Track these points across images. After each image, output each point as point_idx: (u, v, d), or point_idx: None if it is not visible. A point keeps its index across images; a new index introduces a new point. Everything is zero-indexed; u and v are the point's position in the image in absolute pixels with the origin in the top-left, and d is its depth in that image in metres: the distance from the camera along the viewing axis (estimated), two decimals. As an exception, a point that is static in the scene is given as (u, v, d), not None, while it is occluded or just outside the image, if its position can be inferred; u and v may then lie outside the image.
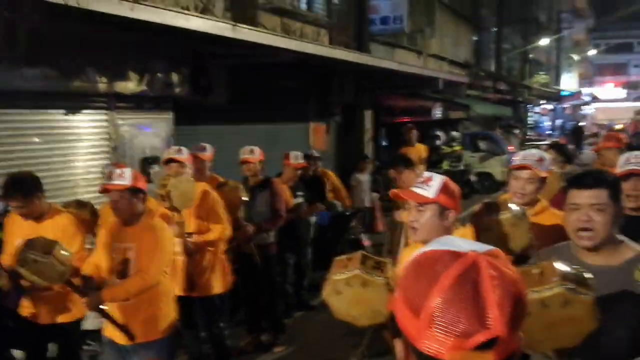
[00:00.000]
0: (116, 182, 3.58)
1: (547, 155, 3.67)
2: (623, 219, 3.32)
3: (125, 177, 3.57)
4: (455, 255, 1.02)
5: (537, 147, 21.41)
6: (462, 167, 14.75)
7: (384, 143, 14.84)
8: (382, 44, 14.34)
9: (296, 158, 6.63)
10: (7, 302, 4.01)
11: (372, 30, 13.44)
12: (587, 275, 1.97)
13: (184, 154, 4.78)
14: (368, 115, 13.15)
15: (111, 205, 3.61)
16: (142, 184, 3.68)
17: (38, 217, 3.93)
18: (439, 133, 14.47)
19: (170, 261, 3.73)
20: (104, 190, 3.69)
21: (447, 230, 2.67)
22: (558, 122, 40.56)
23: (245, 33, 6.52)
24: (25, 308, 4.01)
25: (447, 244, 1.07)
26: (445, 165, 13.85)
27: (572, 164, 5.74)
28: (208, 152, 5.46)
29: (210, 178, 5.43)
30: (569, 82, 44.24)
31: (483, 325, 0.96)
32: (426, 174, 2.77)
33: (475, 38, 23.38)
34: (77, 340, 4.36)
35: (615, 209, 2.31)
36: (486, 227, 3.03)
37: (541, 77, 33.23)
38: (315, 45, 8.66)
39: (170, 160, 4.76)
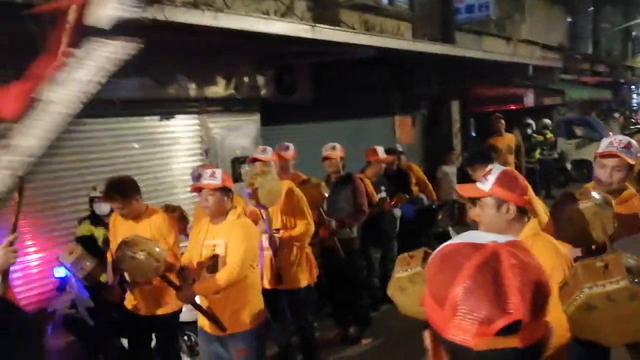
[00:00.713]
0: (208, 182, 3.81)
1: (635, 142, 3.50)
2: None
3: (216, 177, 3.81)
4: (476, 246, 1.07)
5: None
6: (556, 155, 14.21)
7: (473, 134, 14.56)
8: (468, 33, 14.09)
9: (380, 152, 6.69)
10: (112, 295, 4.37)
11: (458, 20, 13.26)
12: None
13: (269, 153, 5.00)
14: (455, 106, 12.98)
15: (202, 204, 3.85)
16: (230, 183, 3.91)
17: (136, 217, 4.26)
18: (530, 121, 14.01)
19: (256, 256, 3.94)
20: (197, 189, 3.93)
21: (511, 223, 2.64)
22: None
23: (324, 33, 6.68)
24: (129, 301, 4.39)
25: (469, 237, 1.13)
26: (537, 154, 13.40)
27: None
28: (291, 151, 5.67)
29: (294, 176, 5.64)
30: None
31: (504, 310, 0.99)
32: (490, 166, 2.77)
33: (569, 19, 22.40)
34: (175, 332, 4.68)
35: None
36: (567, 217, 2.98)
37: (646, 56, 31.25)
38: (396, 40, 8.70)
39: (255, 160, 5.01)
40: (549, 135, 13.83)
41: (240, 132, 8.08)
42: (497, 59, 11.78)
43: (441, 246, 1.14)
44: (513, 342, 1.00)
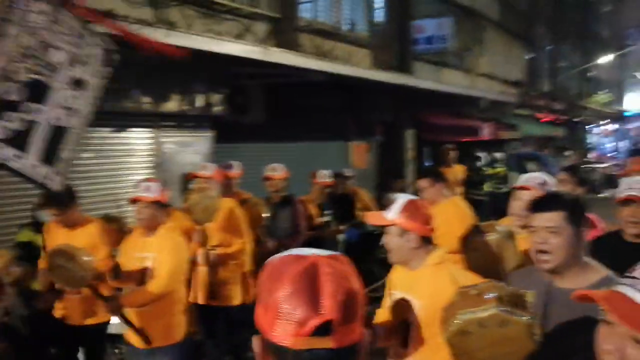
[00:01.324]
0: (143, 194, 3.90)
1: (551, 179, 3.64)
2: (623, 245, 3.34)
3: (151, 190, 3.90)
4: (298, 257, 1.21)
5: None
6: (506, 189, 14.61)
7: (426, 163, 14.89)
8: (428, 63, 14.48)
9: (323, 176, 6.86)
10: (43, 303, 4.40)
11: (417, 50, 13.63)
12: (529, 298, 2.08)
13: (209, 171, 5.11)
14: (410, 135, 13.29)
15: (136, 216, 3.94)
16: (165, 198, 3.99)
17: (72, 226, 4.31)
18: (479, 154, 14.43)
19: (185, 270, 4.01)
20: (133, 201, 4.03)
21: (415, 251, 2.75)
22: (622, 143, 39.17)
23: (275, 55, 6.87)
24: (58, 309, 4.41)
25: (295, 251, 1.25)
26: (487, 186, 13.77)
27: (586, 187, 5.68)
28: (235, 170, 5.79)
29: (236, 194, 5.75)
30: (633, 101, 42.82)
31: (317, 312, 1.11)
32: (397, 195, 2.89)
33: (528, 56, 23.14)
34: (103, 343, 4.70)
35: (574, 231, 2.31)
36: (473, 247, 3.17)
37: (602, 97, 32.29)
38: (346, 67, 8.93)
39: (196, 177, 5.12)
40: (499, 169, 14.23)
41: (192, 148, 8.18)
42: (449, 91, 12.14)
43: (271, 257, 1.26)
44: (327, 343, 1.12)
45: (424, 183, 4.70)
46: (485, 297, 2.04)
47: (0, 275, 3.87)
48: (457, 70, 16.49)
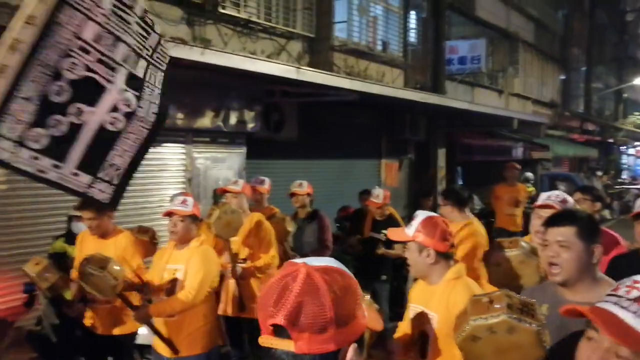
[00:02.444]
0: (179, 208, 3.97)
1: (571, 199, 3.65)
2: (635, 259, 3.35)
3: (187, 204, 3.99)
4: (292, 264, 1.27)
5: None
6: (538, 209, 14.40)
7: (459, 182, 14.80)
8: (461, 83, 14.47)
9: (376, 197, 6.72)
10: (73, 311, 4.47)
11: (450, 70, 13.68)
12: (539, 308, 2.16)
13: (239, 186, 5.17)
14: (442, 154, 13.24)
15: (170, 229, 4.00)
16: (199, 212, 4.09)
17: (104, 235, 4.38)
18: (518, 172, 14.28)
19: (214, 282, 4.07)
20: (167, 214, 4.08)
21: (433, 267, 2.82)
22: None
23: (308, 75, 6.93)
24: (87, 318, 4.47)
25: (300, 259, 1.31)
26: (518, 206, 13.62)
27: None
28: (266, 185, 5.86)
29: (266, 209, 5.80)
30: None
31: (272, 313, 1.19)
32: (417, 212, 2.93)
33: (563, 77, 22.93)
34: (131, 353, 4.75)
35: (584, 247, 2.36)
36: (495, 262, 3.20)
37: (636, 118, 31.80)
38: (378, 86, 8.96)
39: (225, 191, 5.18)
40: (530, 188, 14.05)
41: (224, 164, 8.28)
42: (482, 111, 12.07)
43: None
44: (288, 345, 1.18)
45: (440, 201, 4.82)
46: (496, 305, 2.12)
47: (37, 281, 3.94)
48: (490, 91, 16.44)
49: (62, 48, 2.82)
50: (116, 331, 4.38)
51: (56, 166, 2.96)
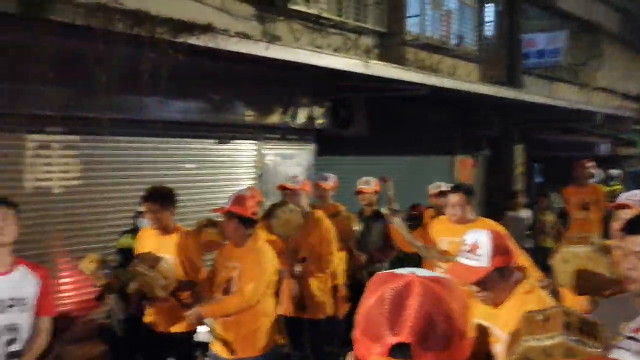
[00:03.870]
0: (230, 207, 3.89)
1: None
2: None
3: (239, 203, 3.89)
4: (395, 275, 1.14)
5: None
6: (623, 208, 13.61)
7: (537, 179, 14.20)
8: (539, 77, 13.88)
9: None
10: (133, 308, 4.47)
11: (527, 64, 13.12)
12: (603, 328, 1.87)
13: (298, 183, 5.04)
14: (518, 150, 12.74)
15: (221, 226, 3.92)
16: (245, 211, 3.91)
17: (164, 230, 4.34)
18: (592, 171, 13.51)
19: (270, 283, 3.92)
20: (222, 212, 4.01)
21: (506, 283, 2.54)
22: None
23: (376, 69, 6.74)
24: (147, 315, 4.46)
25: (401, 270, 1.18)
26: (601, 205, 12.90)
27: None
28: (330, 182, 5.71)
29: (330, 206, 5.66)
30: None
31: (392, 331, 1.06)
32: (469, 237, 2.55)
33: (652, 70, 21.62)
34: (190, 351, 4.70)
35: None
36: (562, 258, 2.95)
37: None
38: (451, 80, 8.65)
39: (284, 188, 5.06)
40: (616, 186, 13.28)
41: (294, 161, 8.22)
42: (562, 105, 11.49)
43: (378, 273, 1.22)
44: None
45: (454, 198, 4.38)
46: (552, 323, 1.86)
47: (92, 278, 3.94)
48: (571, 85, 15.69)
49: None
50: (175, 329, 4.32)
51: None
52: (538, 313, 1.94)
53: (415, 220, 7.89)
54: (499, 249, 2.48)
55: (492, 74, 11.94)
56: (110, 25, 4.94)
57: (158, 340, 4.44)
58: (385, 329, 1.07)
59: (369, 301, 1.12)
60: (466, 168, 11.84)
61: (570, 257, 2.89)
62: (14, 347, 2.90)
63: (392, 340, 1.06)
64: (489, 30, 12.47)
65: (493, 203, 12.10)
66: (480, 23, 11.89)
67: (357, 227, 5.54)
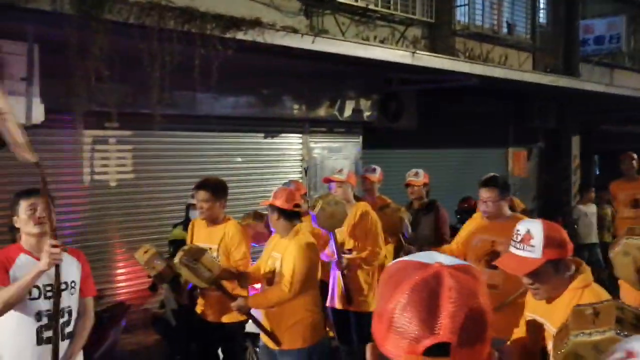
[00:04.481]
0: (273, 200, 3.95)
1: None
2: None
3: (277, 196, 3.94)
4: (421, 265, 1.07)
5: None
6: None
7: (596, 172, 13.77)
8: (597, 65, 13.42)
9: None
10: (183, 299, 4.59)
11: (585, 52, 12.70)
12: None
13: (343, 175, 5.05)
14: (575, 141, 12.36)
15: (266, 219, 3.99)
16: (286, 204, 3.93)
17: (213, 221, 4.42)
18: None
19: (314, 274, 3.95)
20: (264, 204, 4.08)
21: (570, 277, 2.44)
22: None
23: (425, 59, 6.69)
24: (199, 305, 4.56)
25: (421, 256, 1.11)
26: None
27: None
28: (377, 174, 5.70)
29: (377, 199, 5.66)
30: None
31: (432, 330, 0.99)
32: (522, 226, 2.45)
33: None
34: (240, 341, 4.77)
35: None
36: (624, 252, 2.82)
37: None
38: (502, 69, 8.47)
39: (330, 180, 5.09)
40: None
41: (341, 154, 8.26)
42: (623, 94, 11.06)
43: (395, 260, 1.14)
44: None
45: (486, 194, 4.01)
46: (603, 318, 1.78)
47: (145, 268, 4.07)
48: (632, 72, 15.09)
49: None
50: (225, 319, 4.38)
51: None
52: (588, 307, 1.87)
53: (466, 214, 7.80)
54: (553, 241, 2.38)
55: (547, 63, 11.64)
56: (162, 23, 5.08)
57: (209, 330, 4.51)
58: (422, 328, 1.00)
59: (395, 295, 1.04)
60: (520, 161, 11.60)
61: (632, 249, 2.75)
62: (69, 329, 3.05)
63: (432, 340, 0.99)
64: (542, 17, 12.15)
65: (548, 196, 11.83)
66: (534, 10, 11.59)
67: (407, 219, 5.46)
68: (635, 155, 7.64)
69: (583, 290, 2.42)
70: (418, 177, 5.80)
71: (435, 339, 0.99)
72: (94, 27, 4.83)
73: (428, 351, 0.99)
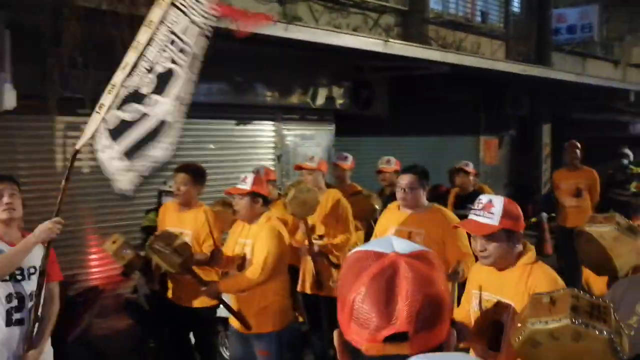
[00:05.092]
0: (238, 186, 4.02)
1: None
2: None
3: (246, 182, 4.00)
4: (378, 255, 1.11)
5: None
6: (656, 189, 13.34)
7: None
8: (569, 54, 13.64)
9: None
10: (154, 284, 4.65)
11: (558, 40, 12.91)
12: (613, 310, 1.87)
13: (314, 162, 5.13)
14: (546, 129, 12.58)
15: (234, 207, 4.07)
16: (261, 189, 4.04)
17: (185, 205, 4.48)
18: (626, 151, 13.25)
19: (283, 259, 4.02)
20: (228, 193, 4.15)
21: (513, 251, 2.65)
22: None
23: (396, 47, 6.77)
24: (170, 291, 4.63)
25: (378, 243, 1.17)
26: (633, 186, 12.65)
27: None
28: (349, 162, 5.80)
29: (349, 186, 5.75)
30: None
31: (389, 321, 1.04)
32: (484, 197, 2.69)
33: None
34: (213, 325, 4.86)
35: None
36: (585, 238, 2.93)
37: None
38: (473, 57, 8.59)
39: (300, 168, 5.17)
40: (635, 169, 13.00)
41: (313, 141, 8.32)
42: (594, 83, 11.28)
43: (355, 249, 1.19)
44: (402, 349, 1.04)
45: (405, 180, 3.98)
46: (559, 306, 1.86)
47: (115, 258, 4.11)
48: (604, 62, 15.36)
49: (161, 44, 3.09)
50: (196, 303, 4.43)
51: (106, 147, 3.16)
52: (545, 295, 1.94)
53: (436, 201, 7.91)
54: (510, 213, 2.61)
55: (519, 51, 11.81)
56: (133, 9, 5.09)
57: (181, 315, 4.58)
58: (380, 318, 1.04)
59: (355, 286, 1.08)
60: (492, 149, 11.78)
61: (594, 237, 2.87)
62: (38, 312, 3.12)
63: (390, 331, 1.04)
64: (516, 6, 12.29)
65: (519, 184, 12.05)
66: (507, -1, 11.73)
67: (378, 206, 5.55)
68: (579, 145, 7.62)
69: (532, 266, 2.64)
70: (390, 164, 5.93)
71: (393, 329, 1.04)
72: (66, 14, 4.84)
73: (388, 338, 1.04)
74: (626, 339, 1.82)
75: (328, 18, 8.42)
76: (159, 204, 5.66)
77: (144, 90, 3.14)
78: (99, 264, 6.43)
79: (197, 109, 6.76)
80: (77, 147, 3.13)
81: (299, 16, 7.94)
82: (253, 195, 3.98)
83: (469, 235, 3.02)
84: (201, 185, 4.56)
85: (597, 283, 3.13)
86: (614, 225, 2.86)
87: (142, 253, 4.31)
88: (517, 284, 2.60)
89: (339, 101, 8.30)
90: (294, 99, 7.87)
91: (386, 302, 1.05)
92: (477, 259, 2.92)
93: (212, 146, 7.37)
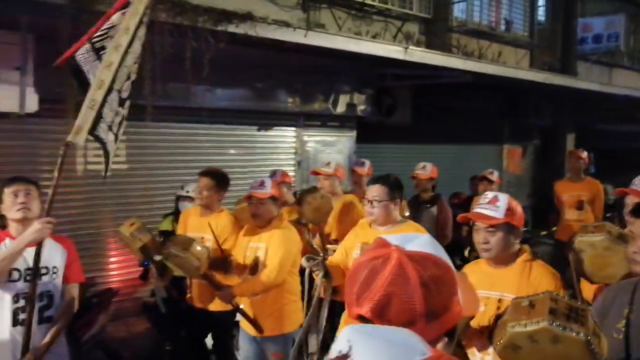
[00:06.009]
0: (257, 191, 4.00)
1: None
2: None
3: (265, 186, 4.01)
4: (384, 245, 1.18)
5: None
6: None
7: (592, 170, 13.79)
8: (595, 64, 13.44)
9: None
10: (175, 287, 4.65)
11: (583, 50, 12.73)
12: (591, 313, 1.88)
13: (331, 168, 5.10)
14: (571, 139, 12.40)
15: (252, 211, 4.05)
16: (277, 193, 4.07)
17: (207, 209, 4.47)
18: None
19: (296, 262, 3.99)
20: (247, 198, 4.13)
21: (513, 248, 2.74)
22: None
23: (417, 55, 6.73)
24: (188, 294, 4.62)
25: (397, 238, 1.21)
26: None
27: None
28: (366, 167, 5.75)
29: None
30: None
31: (358, 303, 1.13)
32: (490, 193, 2.81)
33: None
34: (230, 329, 4.84)
35: None
36: (577, 249, 2.94)
37: None
38: (496, 66, 8.51)
39: (317, 173, 5.14)
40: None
41: (334, 148, 8.31)
42: (620, 93, 11.10)
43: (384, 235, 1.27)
44: None
45: (372, 192, 3.55)
46: (538, 309, 1.87)
47: (129, 241, 4.02)
48: (631, 71, 15.11)
49: (135, 55, 3.39)
50: (212, 307, 4.43)
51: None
52: (525, 299, 1.95)
53: (457, 209, 7.84)
54: (514, 210, 2.72)
55: (544, 61, 11.67)
56: (153, 15, 5.13)
57: (199, 318, 4.59)
58: (354, 298, 1.14)
59: (357, 263, 1.18)
60: (515, 158, 11.65)
61: (586, 246, 2.88)
62: (48, 313, 3.12)
63: (357, 311, 1.13)
64: (541, 15, 12.17)
65: (542, 194, 11.87)
66: (532, 7, 11.61)
67: (407, 213, 5.46)
68: (583, 154, 6.99)
69: (531, 263, 2.75)
70: (425, 170, 5.83)
71: (357, 310, 1.14)
72: (85, 19, 4.88)
73: (359, 317, 1.14)
74: (605, 341, 1.82)
75: (351, 25, 8.41)
76: (176, 209, 5.69)
77: (124, 95, 3.42)
78: (118, 267, 6.48)
79: (219, 115, 6.99)
80: (68, 139, 3.14)
81: (322, 23, 7.95)
82: (272, 199, 3.99)
83: (471, 231, 3.00)
84: (224, 191, 4.56)
85: (590, 292, 3.12)
86: (605, 234, 2.88)
87: (158, 258, 4.30)
88: (520, 279, 2.70)
89: (361, 108, 8.29)
90: (316, 106, 7.88)
91: (363, 286, 1.13)
92: (475, 258, 3.01)
93: (233, 152, 7.40)
